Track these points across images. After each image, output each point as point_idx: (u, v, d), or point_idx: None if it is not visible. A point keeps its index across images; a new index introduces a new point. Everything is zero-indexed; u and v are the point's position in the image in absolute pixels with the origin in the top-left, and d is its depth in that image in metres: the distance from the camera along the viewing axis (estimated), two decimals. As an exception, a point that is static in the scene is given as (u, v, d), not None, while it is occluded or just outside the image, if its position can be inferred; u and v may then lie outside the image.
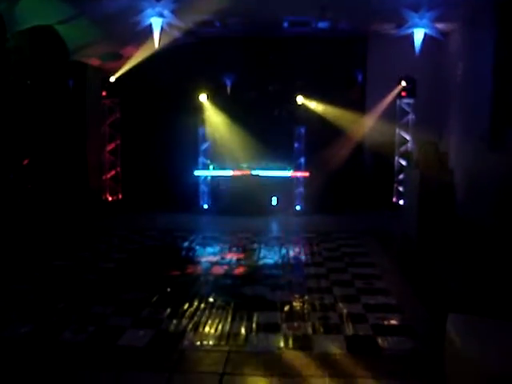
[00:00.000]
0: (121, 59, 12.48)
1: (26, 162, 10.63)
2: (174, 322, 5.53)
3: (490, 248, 8.01)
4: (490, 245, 8.11)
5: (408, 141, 12.67)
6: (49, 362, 4.61)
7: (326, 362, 4.58)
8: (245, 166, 12.57)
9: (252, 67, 13.07)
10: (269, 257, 8.42)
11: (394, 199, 12.78)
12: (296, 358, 4.68)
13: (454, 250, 8.53)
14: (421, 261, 8.29)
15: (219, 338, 5.13)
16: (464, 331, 3.91)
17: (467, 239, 8.92)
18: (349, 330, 5.32)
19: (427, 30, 10.77)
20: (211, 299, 6.26)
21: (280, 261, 8.19)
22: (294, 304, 6.12)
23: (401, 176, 12.46)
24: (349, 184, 12.77)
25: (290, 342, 5.05)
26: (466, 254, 8.26)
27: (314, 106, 12.78)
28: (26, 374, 4.42)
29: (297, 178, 12.65)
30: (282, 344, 4.99)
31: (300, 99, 12.71)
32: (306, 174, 12.52)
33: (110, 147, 13.39)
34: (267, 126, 12.73)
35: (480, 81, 9.84)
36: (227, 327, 5.38)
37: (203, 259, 8.42)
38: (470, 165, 10.36)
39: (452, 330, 3.93)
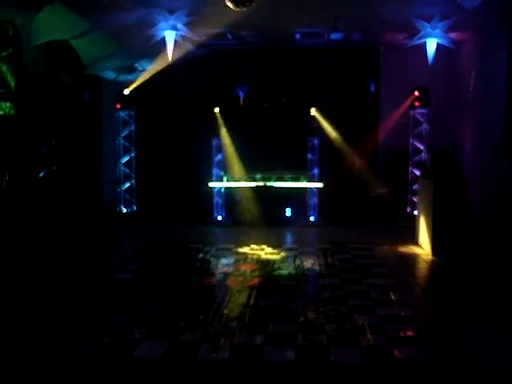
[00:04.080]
0: (135, 72, 12.62)
1: (42, 173, 10.75)
2: (189, 333, 5.53)
3: (507, 258, 7.93)
4: (507, 254, 8.03)
5: (422, 150, 12.62)
6: (64, 374, 4.62)
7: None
8: (258, 177, 12.59)
9: (265, 78, 13.15)
10: (283, 268, 8.40)
11: (408, 209, 12.71)
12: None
13: (470, 260, 8.45)
14: (436, 272, 8.23)
15: (234, 349, 5.12)
16: (482, 343, 3.87)
17: (483, 249, 8.83)
18: (364, 341, 5.27)
19: (440, 40, 10.78)
20: (226, 311, 6.25)
21: (294, 272, 8.16)
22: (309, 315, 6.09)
23: (415, 186, 12.39)
24: (363, 194, 12.73)
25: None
26: (483, 263, 8.18)
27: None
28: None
29: (311, 189, 12.63)
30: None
31: (313, 111, 12.70)
32: (320, 184, 12.50)
33: (124, 159, 13.47)
34: (280, 137, 12.77)
35: (494, 90, 9.81)
36: (242, 339, 5.37)
37: (218, 271, 8.41)
38: (484, 174, 10.30)
39: (470, 342, 3.89)
